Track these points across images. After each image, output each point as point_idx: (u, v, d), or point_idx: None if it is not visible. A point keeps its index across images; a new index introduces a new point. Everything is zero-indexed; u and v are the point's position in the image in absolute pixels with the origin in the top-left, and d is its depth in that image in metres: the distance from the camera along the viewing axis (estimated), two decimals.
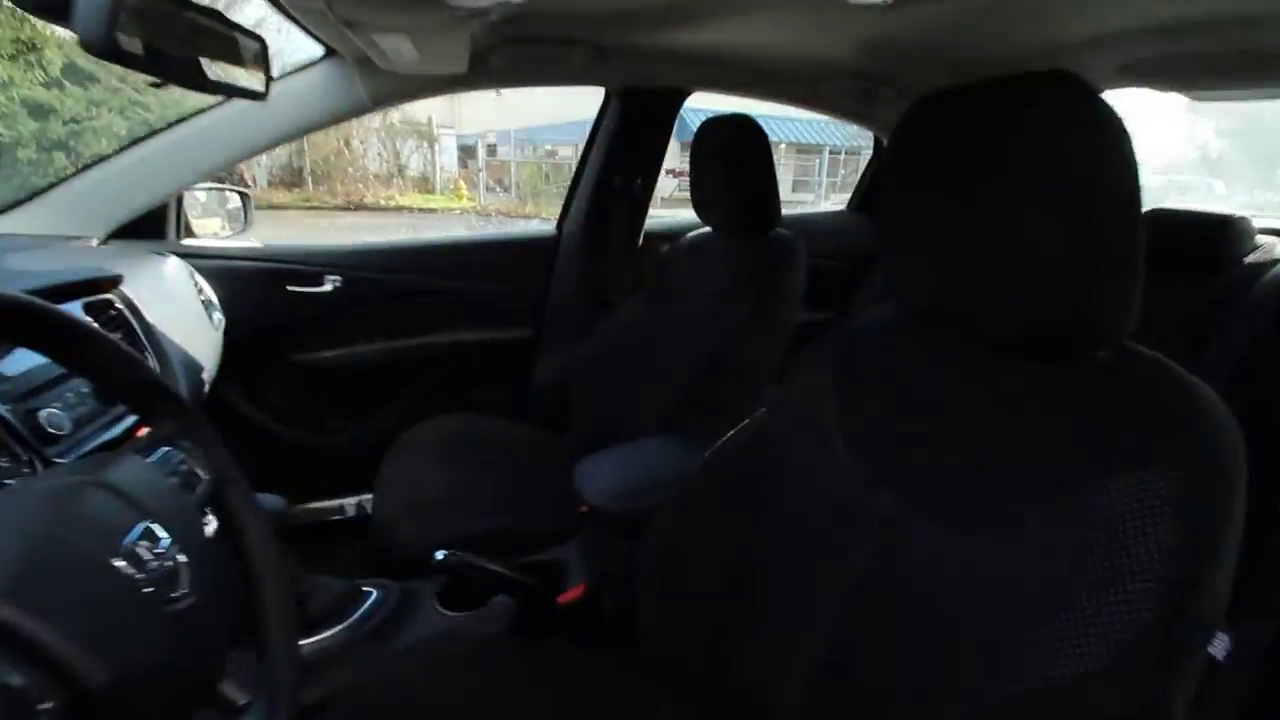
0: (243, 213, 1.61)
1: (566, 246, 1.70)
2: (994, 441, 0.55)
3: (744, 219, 1.24)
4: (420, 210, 10.06)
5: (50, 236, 1.21)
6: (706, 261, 1.35)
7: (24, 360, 0.74)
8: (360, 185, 10.72)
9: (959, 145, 0.53)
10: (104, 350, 0.55)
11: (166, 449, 0.59)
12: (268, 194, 9.97)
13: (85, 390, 0.80)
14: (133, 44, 0.55)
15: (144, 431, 0.61)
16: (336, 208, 9.82)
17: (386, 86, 1.30)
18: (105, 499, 0.46)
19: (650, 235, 1.78)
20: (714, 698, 0.72)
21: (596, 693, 0.79)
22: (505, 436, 1.47)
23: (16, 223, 1.22)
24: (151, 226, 1.40)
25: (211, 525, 0.73)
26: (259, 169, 10.53)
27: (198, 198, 1.54)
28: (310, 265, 1.52)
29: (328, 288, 1.54)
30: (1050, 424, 0.52)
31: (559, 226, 1.73)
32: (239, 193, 1.61)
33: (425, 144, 12.34)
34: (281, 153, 11.40)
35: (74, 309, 0.87)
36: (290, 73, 1.26)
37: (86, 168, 1.26)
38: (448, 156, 12.57)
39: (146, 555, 0.46)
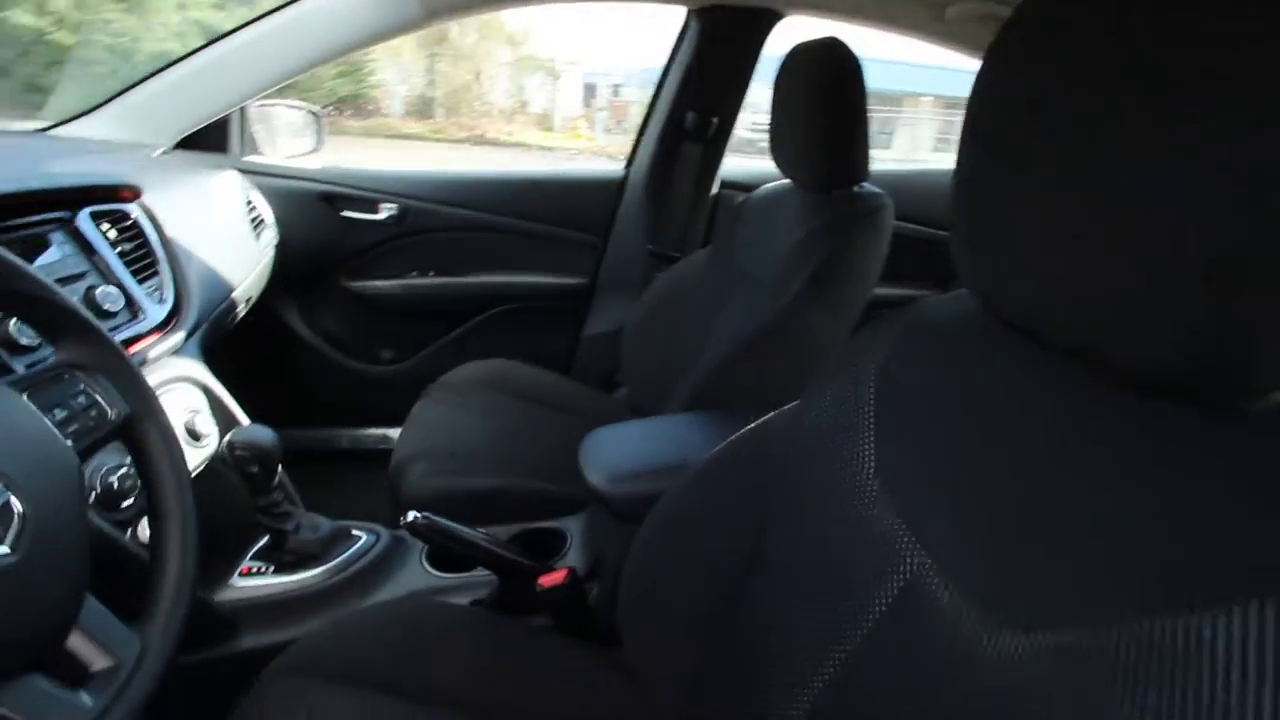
0: (315, 133, 1.59)
1: (631, 190, 1.55)
2: (1079, 507, 0.37)
3: (819, 168, 1.05)
4: (538, 148, 10.13)
5: (116, 143, 1.24)
6: (778, 218, 1.17)
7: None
8: (484, 119, 10.95)
9: (1097, 52, 0.34)
10: None
11: (68, 378, 0.54)
12: (400, 123, 10.42)
13: (76, 298, 0.78)
14: None
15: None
16: (460, 140, 10.10)
17: None
18: None
19: (728, 184, 1.59)
20: (707, 716, 0.61)
21: (558, 689, 0.70)
22: (548, 390, 1.39)
23: (91, 126, 1.25)
24: (217, 140, 1.41)
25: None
26: (395, 98, 11.02)
27: (274, 115, 1.53)
28: (366, 191, 1.49)
29: (382, 215, 1.50)
30: (1172, 498, 0.33)
31: (627, 167, 1.58)
32: (311, 112, 1.59)
33: (552, 80, 12.38)
34: (419, 82, 11.87)
35: (81, 217, 0.85)
36: None
37: (152, 75, 1.26)
38: (572, 94, 12.54)
39: None
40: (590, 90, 12.66)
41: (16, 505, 0.43)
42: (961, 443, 0.45)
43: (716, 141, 1.49)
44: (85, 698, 0.45)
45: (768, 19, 1.37)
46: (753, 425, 0.65)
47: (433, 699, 0.66)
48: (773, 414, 0.64)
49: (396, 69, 11.25)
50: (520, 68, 12.28)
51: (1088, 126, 0.34)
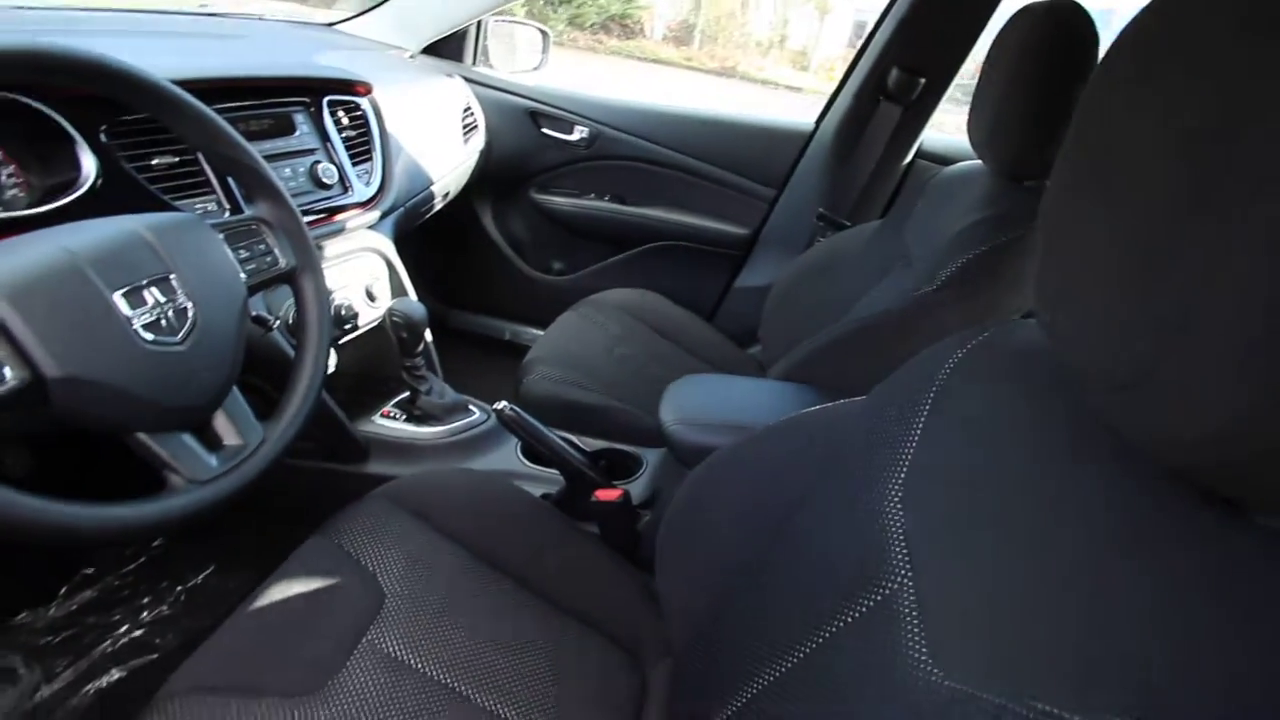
0: (540, 52, 1.73)
1: (816, 147, 1.48)
2: (1060, 585, 0.34)
3: (1007, 152, 0.92)
4: (786, 87, 9.71)
5: (376, 42, 1.47)
6: (955, 200, 1.06)
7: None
8: (739, 51, 10.71)
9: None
10: (208, 129, 0.65)
11: (255, 229, 0.70)
12: (657, 47, 10.61)
13: (303, 170, 0.99)
14: None
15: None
16: (710, 71, 10.03)
17: None
18: (142, 246, 0.57)
19: (925, 155, 1.44)
20: (698, 663, 0.66)
21: (592, 590, 0.79)
22: (684, 330, 1.44)
23: (365, 25, 1.50)
24: (456, 49, 1.60)
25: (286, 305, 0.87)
26: (657, 20, 11.20)
27: (508, 31, 1.69)
28: (565, 111, 1.60)
29: (575, 137, 1.61)
30: (1213, 618, 0.29)
31: (818, 122, 1.51)
32: (540, 31, 1.73)
33: (819, 15, 11.65)
34: (684, 6, 11.88)
35: (323, 103, 1.05)
36: None
37: None
38: (838, 32, 11.70)
39: (150, 300, 0.56)
40: (859, 29, 11.68)
41: (192, 311, 0.59)
42: (981, 487, 0.43)
43: (921, 105, 1.35)
44: (213, 460, 0.62)
45: None
46: (822, 407, 0.65)
47: (485, 558, 0.78)
48: (844, 401, 0.63)
49: None
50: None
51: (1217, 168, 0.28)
